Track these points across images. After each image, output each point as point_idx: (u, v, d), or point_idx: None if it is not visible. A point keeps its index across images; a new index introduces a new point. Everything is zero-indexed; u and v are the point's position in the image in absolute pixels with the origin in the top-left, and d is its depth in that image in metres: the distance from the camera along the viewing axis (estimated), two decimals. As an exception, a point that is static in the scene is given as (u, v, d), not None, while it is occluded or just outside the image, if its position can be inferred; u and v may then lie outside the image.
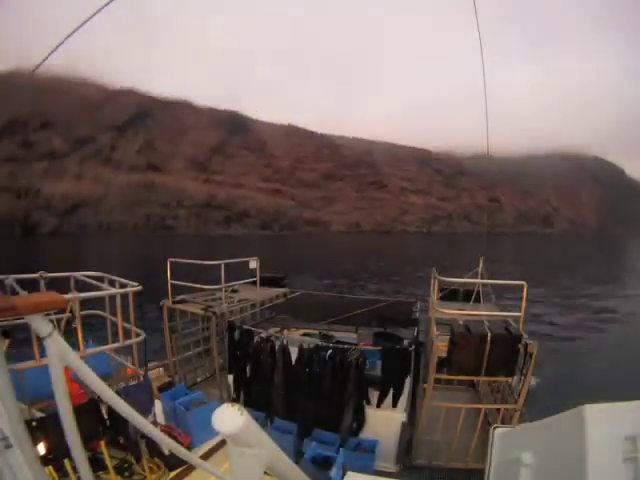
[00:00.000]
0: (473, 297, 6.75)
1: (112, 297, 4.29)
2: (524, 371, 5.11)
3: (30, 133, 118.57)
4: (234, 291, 8.23)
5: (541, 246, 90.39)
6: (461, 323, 5.24)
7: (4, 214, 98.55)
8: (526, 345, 4.94)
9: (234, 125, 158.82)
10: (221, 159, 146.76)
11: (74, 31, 2.44)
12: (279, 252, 66.02)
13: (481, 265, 6.80)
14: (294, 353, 5.62)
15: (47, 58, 2.60)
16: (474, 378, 6.34)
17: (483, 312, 5.73)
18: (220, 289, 7.34)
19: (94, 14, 2.40)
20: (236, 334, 6.21)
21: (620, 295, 28.42)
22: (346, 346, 5.60)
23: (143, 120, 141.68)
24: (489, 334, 4.80)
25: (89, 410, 3.45)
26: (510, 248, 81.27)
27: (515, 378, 5.26)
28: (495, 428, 2.76)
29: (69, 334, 3.55)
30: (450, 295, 7.40)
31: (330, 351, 5.40)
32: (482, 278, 6.58)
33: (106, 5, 2.42)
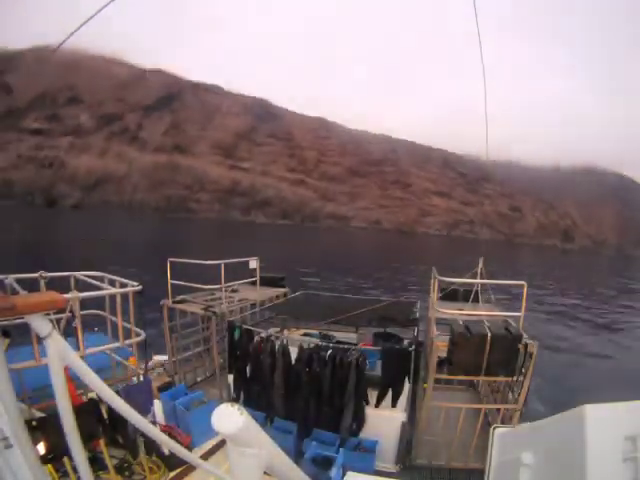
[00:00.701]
0: (472, 297, 6.76)
1: (112, 297, 4.29)
2: (524, 371, 5.11)
3: (58, 108, 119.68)
4: (234, 291, 8.23)
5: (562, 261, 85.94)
6: (461, 323, 5.23)
7: (28, 184, 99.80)
8: (526, 345, 4.94)
9: (263, 113, 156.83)
10: (248, 146, 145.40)
11: (89, 19, 2.44)
12: (299, 243, 65.05)
13: (480, 265, 6.81)
14: (294, 353, 5.62)
15: (63, 42, 2.60)
16: (474, 378, 6.34)
17: (483, 312, 5.73)
18: (220, 289, 7.34)
19: (106, 4, 2.40)
20: (236, 334, 6.20)
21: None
22: (346, 346, 5.60)
23: (171, 101, 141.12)
24: (489, 334, 4.80)
25: (89, 410, 3.45)
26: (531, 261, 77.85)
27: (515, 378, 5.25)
28: (495, 428, 2.75)
29: (69, 334, 3.55)
30: (450, 295, 7.40)
31: (330, 351, 5.40)
32: (481, 278, 6.59)
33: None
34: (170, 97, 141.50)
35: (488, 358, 4.83)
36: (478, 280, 6.57)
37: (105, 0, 2.40)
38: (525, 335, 5.06)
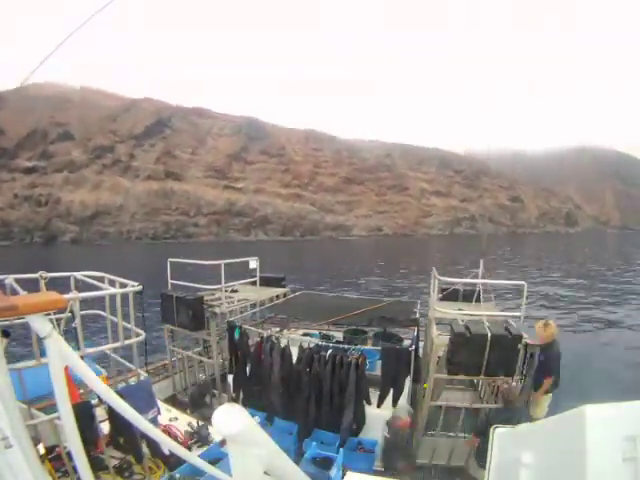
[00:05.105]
0: (475, 297, 6.76)
1: (112, 297, 4.28)
2: (524, 371, 5.11)
3: (49, 145, 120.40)
4: (234, 291, 8.23)
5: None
6: (461, 323, 5.24)
7: (25, 223, 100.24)
8: (526, 345, 4.94)
9: (253, 131, 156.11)
10: (240, 166, 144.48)
11: (63, 41, 2.44)
12: (297, 258, 63.93)
13: (481, 266, 6.81)
14: (294, 353, 5.62)
15: (37, 69, 2.60)
16: (474, 378, 6.34)
17: (483, 312, 5.72)
18: (220, 289, 7.35)
19: (79, 27, 2.40)
20: (236, 334, 6.21)
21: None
22: (346, 346, 5.61)
23: (161, 129, 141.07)
24: (489, 334, 4.80)
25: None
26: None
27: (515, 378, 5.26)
28: (495, 428, 2.75)
29: (69, 334, 3.55)
30: (450, 295, 7.41)
31: (330, 351, 5.41)
32: (482, 278, 6.60)
33: (92, 17, 2.42)
34: (160, 124, 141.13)
35: (488, 358, 4.83)
36: (479, 280, 6.57)
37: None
38: (525, 335, 5.07)
